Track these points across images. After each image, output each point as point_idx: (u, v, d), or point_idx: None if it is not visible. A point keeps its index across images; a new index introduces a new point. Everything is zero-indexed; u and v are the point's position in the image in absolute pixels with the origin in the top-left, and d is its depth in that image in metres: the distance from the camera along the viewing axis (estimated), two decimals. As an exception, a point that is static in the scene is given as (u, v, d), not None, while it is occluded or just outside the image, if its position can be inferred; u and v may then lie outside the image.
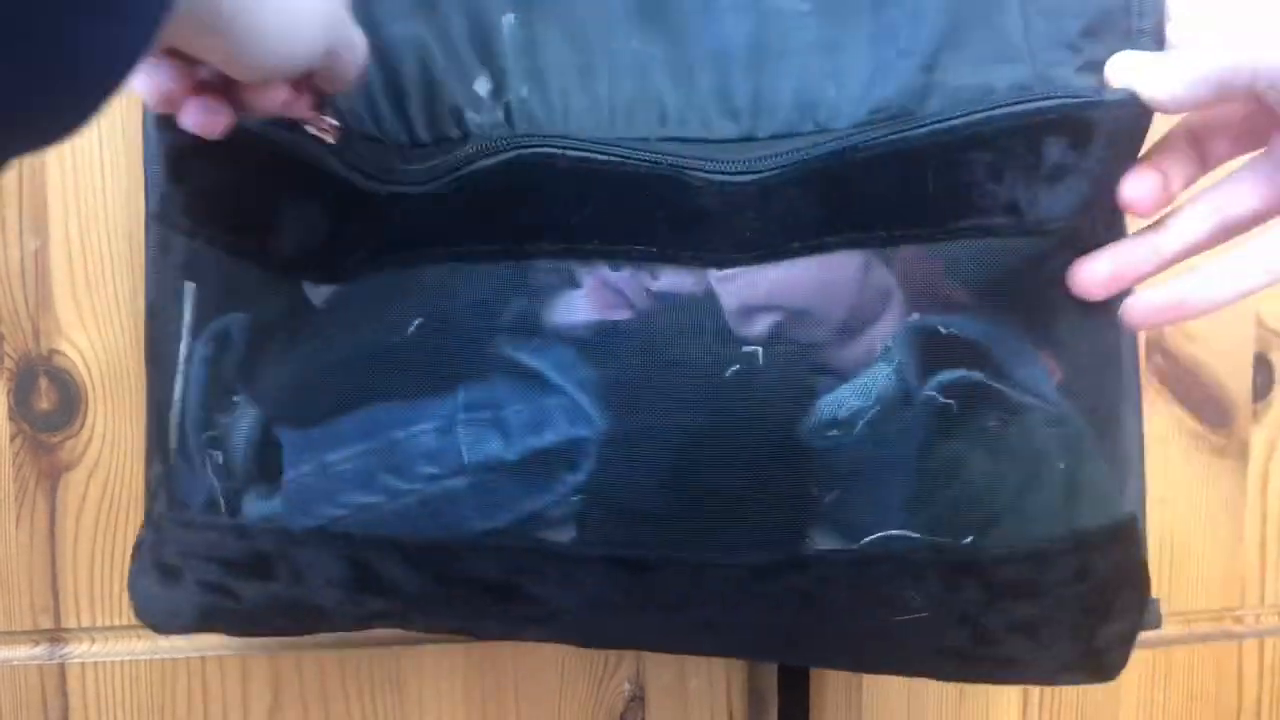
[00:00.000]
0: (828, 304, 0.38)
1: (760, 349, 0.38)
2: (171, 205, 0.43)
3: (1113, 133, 0.38)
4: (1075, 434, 0.41)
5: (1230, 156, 0.41)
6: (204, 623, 0.46)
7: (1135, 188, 0.39)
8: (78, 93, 0.24)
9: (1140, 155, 0.40)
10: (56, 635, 0.57)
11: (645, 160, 0.38)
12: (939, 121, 0.37)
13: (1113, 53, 0.39)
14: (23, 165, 0.53)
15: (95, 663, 0.57)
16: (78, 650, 0.57)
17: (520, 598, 0.42)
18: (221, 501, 0.42)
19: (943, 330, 0.38)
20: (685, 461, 0.38)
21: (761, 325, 0.38)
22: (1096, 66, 0.39)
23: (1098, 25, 0.39)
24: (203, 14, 0.28)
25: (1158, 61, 0.38)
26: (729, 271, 0.38)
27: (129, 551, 0.55)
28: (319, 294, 0.41)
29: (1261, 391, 0.62)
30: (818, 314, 0.38)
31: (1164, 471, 0.61)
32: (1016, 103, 0.37)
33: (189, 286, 0.43)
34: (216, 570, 0.44)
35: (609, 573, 0.40)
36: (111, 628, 0.57)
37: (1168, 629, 0.63)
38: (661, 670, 0.60)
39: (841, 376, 0.38)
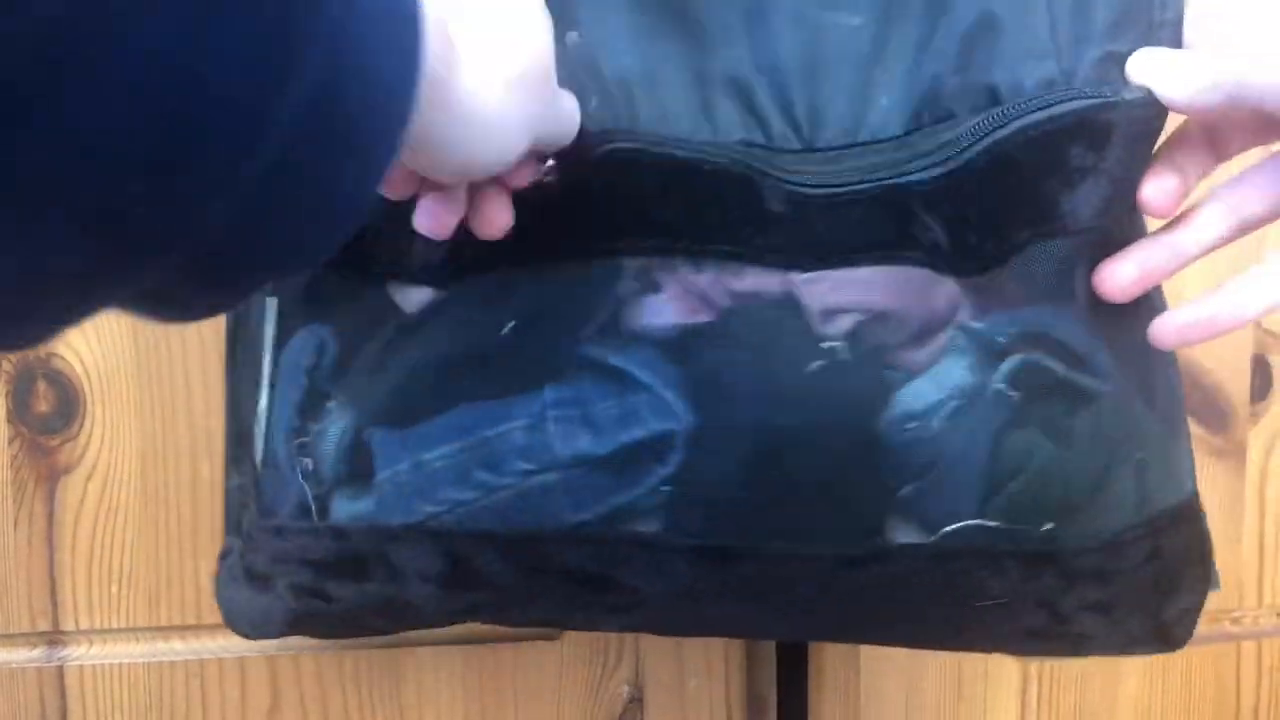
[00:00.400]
0: (904, 306, 0.39)
1: (840, 344, 0.39)
2: None
3: (1130, 132, 0.39)
4: (1145, 421, 0.42)
5: (1246, 148, 0.41)
6: (295, 627, 0.47)
7: (1155, 189, 0.40)
8: (336, 230, 0.25)
9: (1155, 149, 0.41)
10: (54, 638, 0.57)
11: (726, 159, 0.39)
12: (983, 138, 0.38)
13: (1134, 46, 0.40)
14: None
15: (93, 665, 0.57)
16: (76, 653, 0.57)
17: (610, 587, 0.42)
18: (312, 506, 0.43)
19: (1007, 325, 0.40)
20: (769, 454, 0.39)
21: (843, 325, 0.39)
22: (1119, 59, 0.40)
23: (1121, 19, 0.40)
24: (414, 149, 0.29)
25: (1177, 62, 0.38)
26: (812, 274, 0.39)
27: (128, 554, 0.56)
28: (410, 301, 0.41)
29: (1259, 393, 0.62)
30: (895, 315, 0.39)
31: (1162, 473, 0.61)
32: (1044, 107, 0.38)
33: (271, 302, 0.44)
34: (310, 574, 0.44)
35: (695, 562, 0.41)
36: (109, 630, 0.57)
37: (1166, 630, 0.63)
38: (660, 671, 0.60)
39: (916, 373, 0.39)
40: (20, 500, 0.55)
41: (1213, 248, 0.41)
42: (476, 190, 0.37)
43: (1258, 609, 0.64)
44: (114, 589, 0.56)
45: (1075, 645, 0.45)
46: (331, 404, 0.42)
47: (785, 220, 0.39)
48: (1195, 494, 0.45)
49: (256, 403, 0.45)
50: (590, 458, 0.40)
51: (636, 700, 0.60)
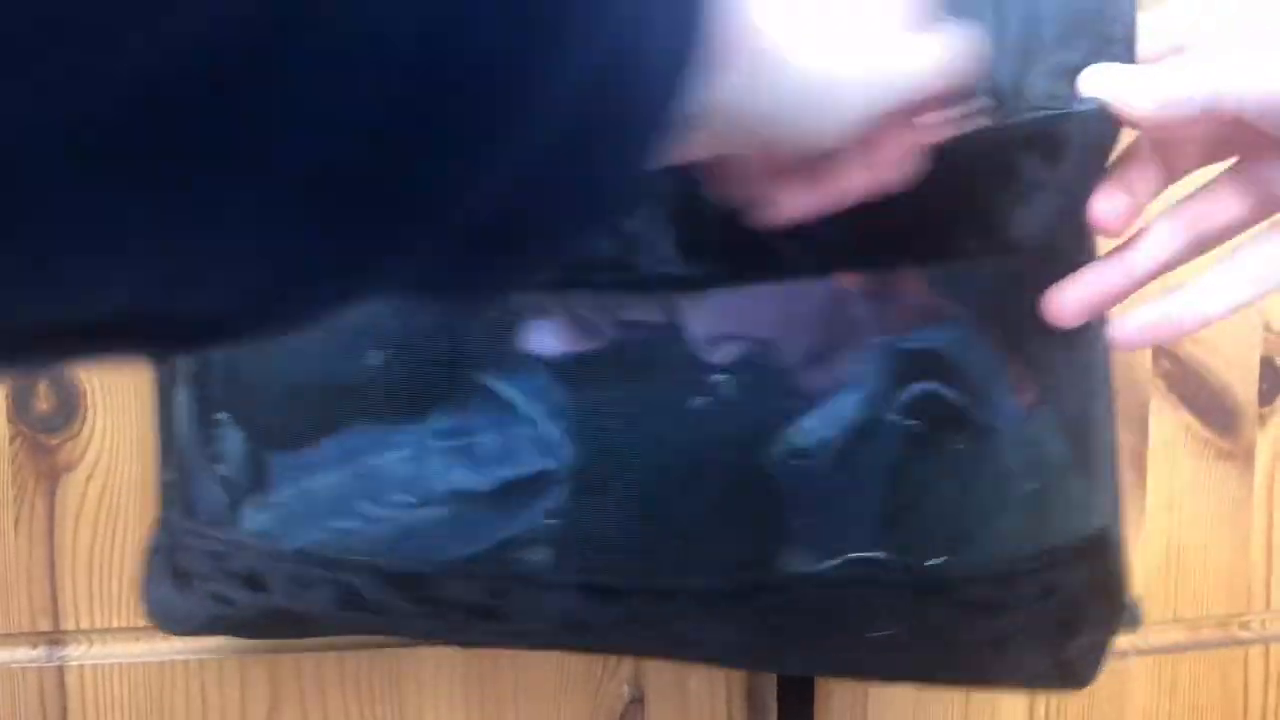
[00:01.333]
0: (795, 332, 0.38)
1: (728, 377, 0.38)
2: None
3: (1083, 146, 0.38)
4: (1046, 452, 0.41)
5: (1198, 166, 0.40)
6: (212, 627, 0.48)
7: (1105, 206, 0.38)
8: (599, 214, 0.23)
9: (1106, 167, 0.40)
10: (55, 637, 0.57)
11: None
12: None
13: (1086, 57, 0.38)
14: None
15: (94, 665, 0.57)
16: (76, 652, 0.57)
17: (499, 617, 0.42)
18: (226, 513, 0.43)
19: (911, 347, 0.38)
20: (653, 492, 0.39)
21: (730, 353, 0.38)
22: (1069, 71, 0.38)
23: (1071, 31, 0.38)
24: (720, 127, 0.26)
25: (1135, 76, 0.37)
26: (697, 301, 0.38)
27: (128, 553, 0.56)
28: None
29: (1268, 396, 0.61)
30: (785, 341, 0.38)
31: (1170, 476, 0.61)
32: (987, 121, 0.37)
33: None
34: (220, 579, 0.44)
35: (582, 598, 0.40)
36: (110, 630, 0.57)
37: (1173, 635, 0.63)
38: (661, 673, 0.60)
39: (810, 402, 0.38)
40: (21, 499, 0.55)
41: (1169, 267, 0.39)
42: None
43: (1265, 613, 0.63)
44: (114, 588, 0.56)
45: (973, 678, 0.45)
46: (222, 415, 0.42)
47: (683, 239, 0.37)
48: (1105, 531, 0.43)
49: (175, 400, 0.44)
50: (470, 493, 0.39)
51: (637, 700, 0.60)
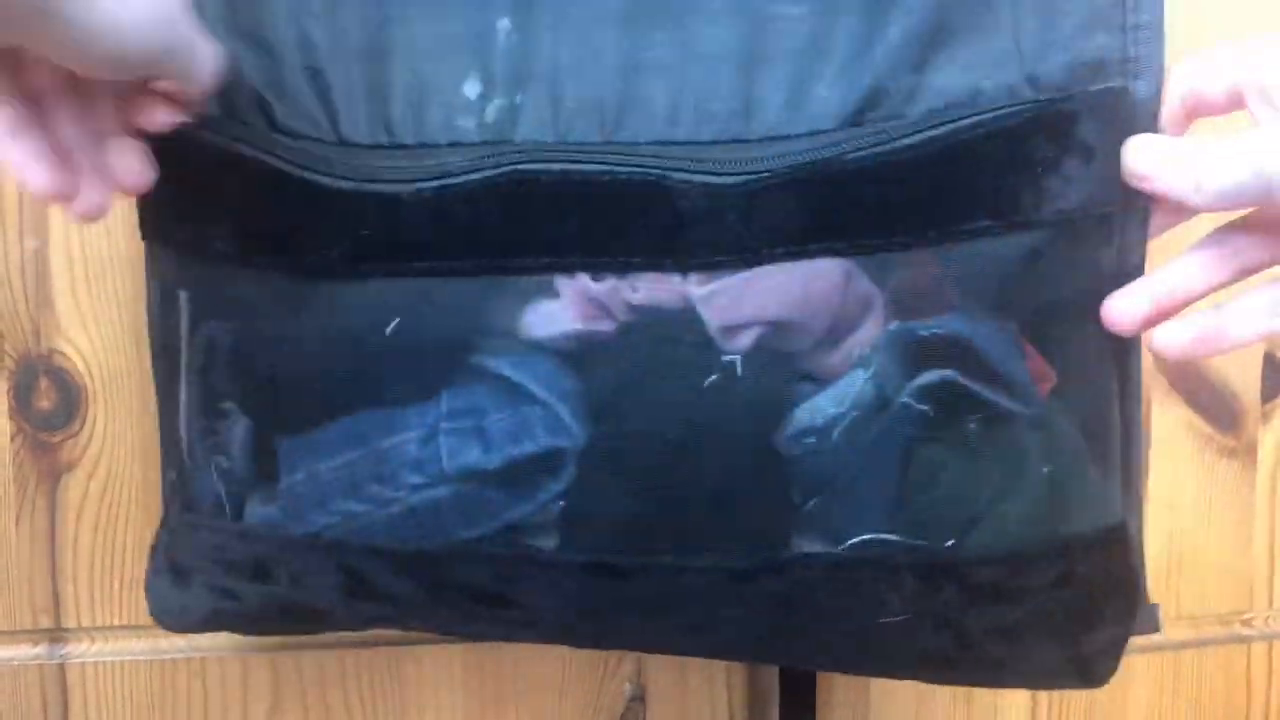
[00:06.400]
0: (809, 315, 0.38)
1: (738, 358, 0.38)
2: (144, 214, 0.43)
3: (1094, 128, 0.38)
4: (1062, 438, 0.41)
5: (1267, 265, 0.40)
6: (213, 623, 0.48)
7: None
8: None
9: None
10: (57, 635, 0.57)
11: (630, 169, 0.38)
12: (925, 129, 0.38)
13: (1104, 49, 0.39)
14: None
15: (95, 662, 0.57)
16: (78, 650, 0.57)
17: (509, 603, 0.42)
18: (227, 505, 0.43)
19: (924, 333, 0.39)
20: (663, 471, 0.39)
21: (744, 340, 0.38)
22: (1090, 62, 0.39)
23: (1091, 21, 0.39)
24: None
25: (1190, 157, 0.37)
26: (710, 288, 0.38)
27: (129, 551, 0.56)
28: (301, 300, 0.40)
29: (1271, 393, 0.61)
30: (799, 325, 0.38)
31: (1172, 473, 0.61)
32: (1000, 108, 0.38)
33: (183, 294, 0.43)
34: (221, 572, 0.44)
35: (591, 578, 0.41)
36: (112, 627, 0.57)
37: (1176, 633, 0.63)
38: (662, 671, 0.60)
39: (820, 383, 0.39)
40: (22, 497, 0.55)
41: (1217, 288, 0.40)
42: (104, 140, 0.37)
43: (1268, 610, 0.63)
44: (116, 586, 0.56)
45: (984, 672, 0.44)
46: (228, 405, 0.42)
47: (696, 219, 0.38)
48: (1125, 525, 0.43)
49: (178, 396, 0.44)
50: (479, 472, 0.39)
51: (638, 698, 0.60)
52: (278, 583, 0.43)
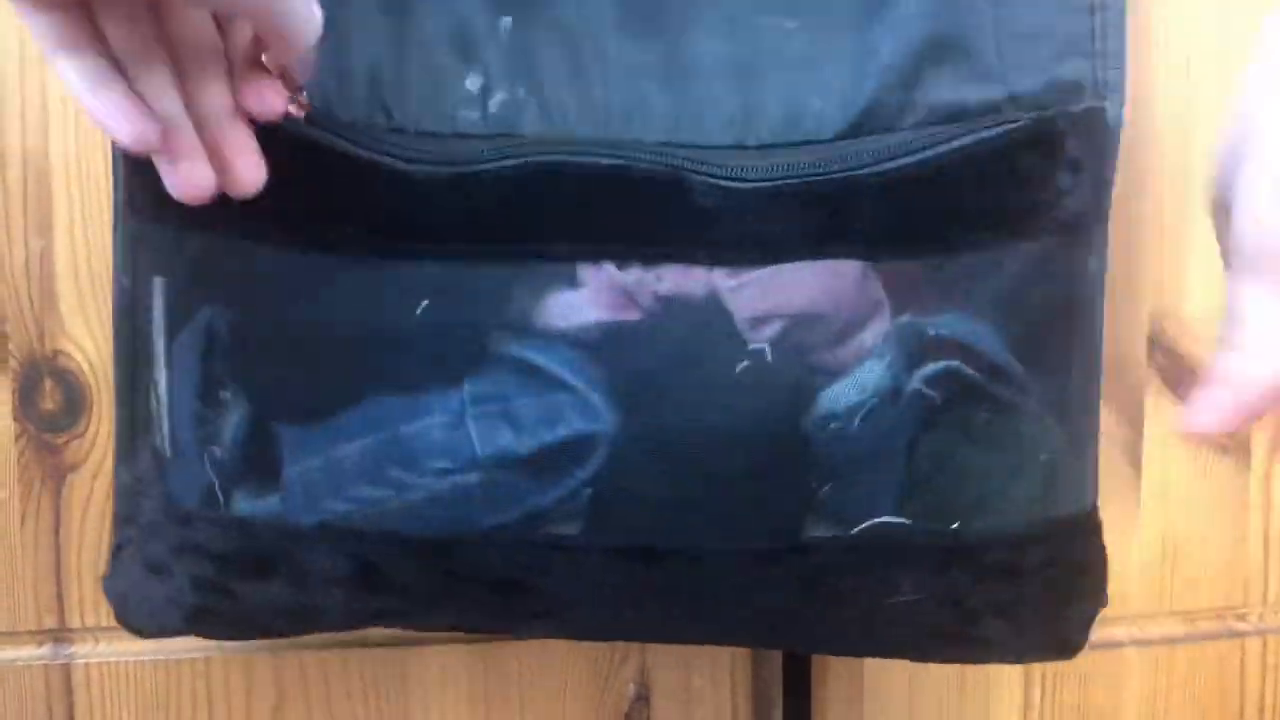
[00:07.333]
0: (830, 309, 0.40)
1: (766, 346, 0.39)
2: (141, 190, 0.42)
3: (1079, 143, 0.41)
4: (1052, 427, 0.43)
5: None
6: (190, 624, 0.46)
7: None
8: None
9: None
10: (61, 635, 0.57)
11: (650, 162, 0.39)
12: (927, 146, 0.39)
13: (1077, 73, 0.42)
14: (28, 165, 0.53)
15: (100, 663, 0.57)
16: (83, 650, 0.57)
17: (526, 592, 0.42)
18: (220, 496, 0.42)
19: (930, 330, 0.40)
20: (694, 455, 0.40)
21: (769, 330, 0.39)
22: (1064, 84, 0.42)
23: (1065, 47, 0.42)
24: None
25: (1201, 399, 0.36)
26: (737, 281, 0.39)
27: (134, 551, 0.56)
28: (311, 283, 0.40)
29: (1264, 390, 0.62)
30: (821, 318, 0.40)
31: (1165, 469, 0.61)
32: (997, 124, 0.40)
33: (158, 281, 0.42)
34: (213, 567, 0.43)
35: (615, 563, 0.41)
36: (116, 628, 0.56)
37: (1170, 628, 0.63)
38: (666, 670, 0.60)
39: (838, 374, 0.40)
40: (27, 498, 0.55)
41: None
42: (216, 128, 0.36)
43: (1262, 606, 0.64)
44: (120, 587, 0.56)
45: (979, 648, 0.46)
46: (226, 393, 0.41)
47: (717, 216, 0.39)
48: (1095, 508, 0.46)
49: (153, 388, 0.43)
50: (511, 457, 0.39)
51: (643, 698, 0.60)
52: (276, 578, 0.43)
